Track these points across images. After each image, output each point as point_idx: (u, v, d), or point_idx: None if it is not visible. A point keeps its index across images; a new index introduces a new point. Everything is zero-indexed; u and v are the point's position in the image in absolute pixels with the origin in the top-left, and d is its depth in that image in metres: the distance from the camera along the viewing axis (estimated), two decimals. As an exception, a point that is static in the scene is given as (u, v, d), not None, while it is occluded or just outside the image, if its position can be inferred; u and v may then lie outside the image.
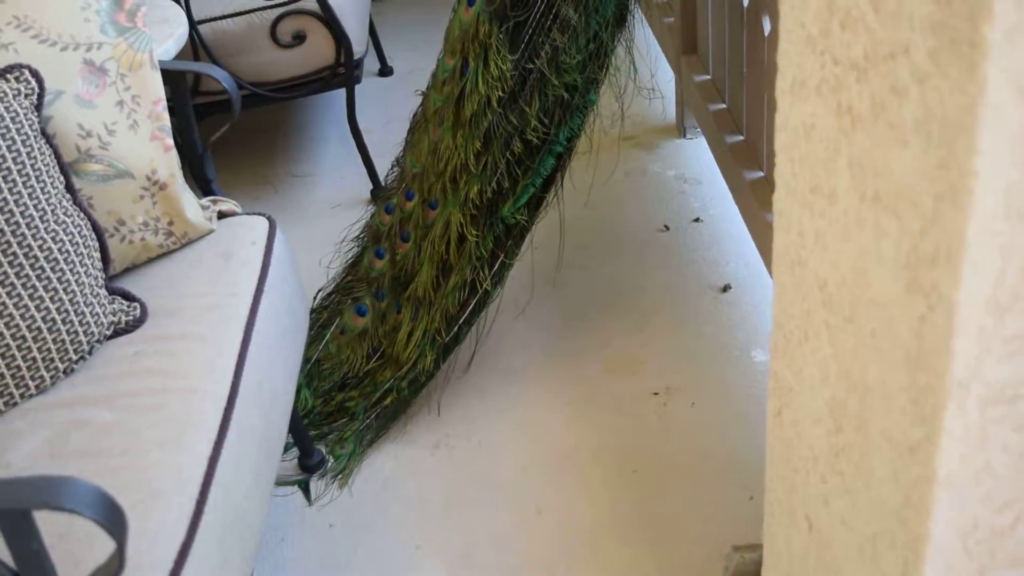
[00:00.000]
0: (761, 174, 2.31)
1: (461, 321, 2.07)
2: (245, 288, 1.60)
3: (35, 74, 1.50)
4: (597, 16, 1.97)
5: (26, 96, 1.48)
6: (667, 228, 2.62)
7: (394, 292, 2.14)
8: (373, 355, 2.15)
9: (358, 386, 2.13)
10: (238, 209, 1.79)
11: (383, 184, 2.87)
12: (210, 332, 1.51)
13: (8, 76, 1.48)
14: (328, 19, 2.61)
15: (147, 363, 1.48)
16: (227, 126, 1.78)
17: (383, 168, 2.89)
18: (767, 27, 2.14)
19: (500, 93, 1.97)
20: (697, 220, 2.64)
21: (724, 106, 2.59)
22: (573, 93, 2.00)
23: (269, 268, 1.66)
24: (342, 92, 2.99)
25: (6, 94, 1.45)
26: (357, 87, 2.83)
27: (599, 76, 2.02)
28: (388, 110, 3.31)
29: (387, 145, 2.99)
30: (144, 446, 1.33)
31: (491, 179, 2.02)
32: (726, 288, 2.40)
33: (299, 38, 2.62)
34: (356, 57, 2.68)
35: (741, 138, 2.45)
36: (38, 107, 1.50)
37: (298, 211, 2.88)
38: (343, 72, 2.69)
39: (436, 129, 2.10)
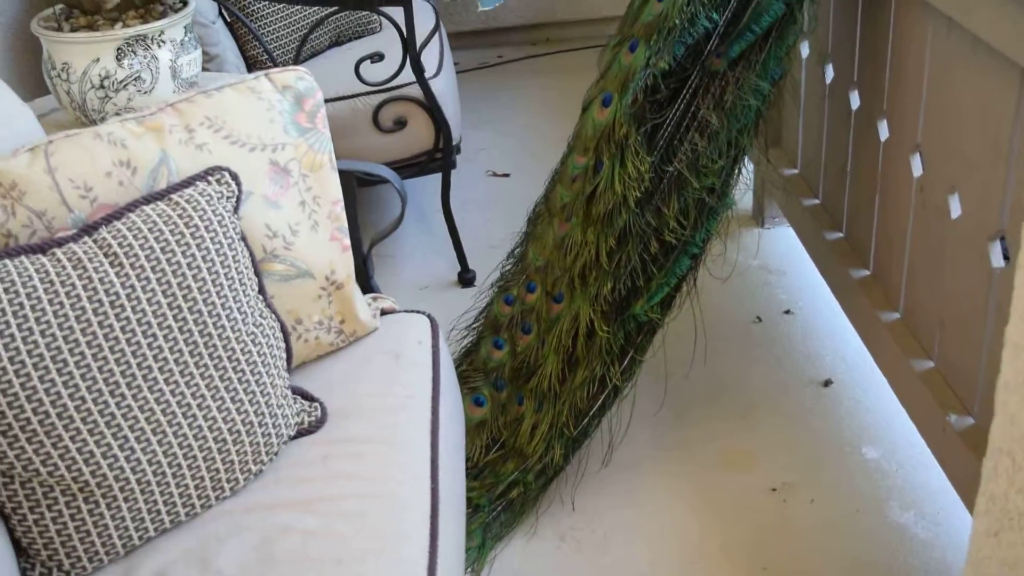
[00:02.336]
0: (867, 273, 2.35)
1: (590, 415, 2.09)
2: (422, 390, 1.61)
3: (234, 177, 1.52)
4: (738, 123, 2.02)
5: (227, 199, 1.50)
6: (759, 320, 2.66)
7: (515, 383, 2.16)
8: (493, 446, 2.16)
9: (478, 477, 2.13)
10: (397, 306, 1.81)
11: (470, 267, 2.91)
12: (397, 436, 1.53)
13: (210, 178, 1.50)
14: (431, 106, 2.65)
15: (338, 466, 1.49)
16: (395, 226, 1.81)
17: (468, 250, 2.93)
18: (884, 133, 2.20)
19: (637, 193, 2.01)
20: (788, 312, 2.68)
21: (818, 202, 2.64)
22: (711, 195, 2.04)
23: (440, 369, 1.68)
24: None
25: (211, 197, 1.47)
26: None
27: (735, 179, 2.07)
28: (462, 191, 3.34)
29: (464, 226, 3.02)
30: (357, 555, 1.34)
31: (624, 277, 2.05)
32: (827, 383, 2.43)
33: (400, 123, 2.66)
34: (454, 143, 2.72)
35: (840, 235, 2.50)
36: (235, 209, 1.52)
37: (386, 292, 2.88)
38: (440, 157, 2.73)
39: (563, 224, 2.13)
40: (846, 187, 2.45)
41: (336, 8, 2.61)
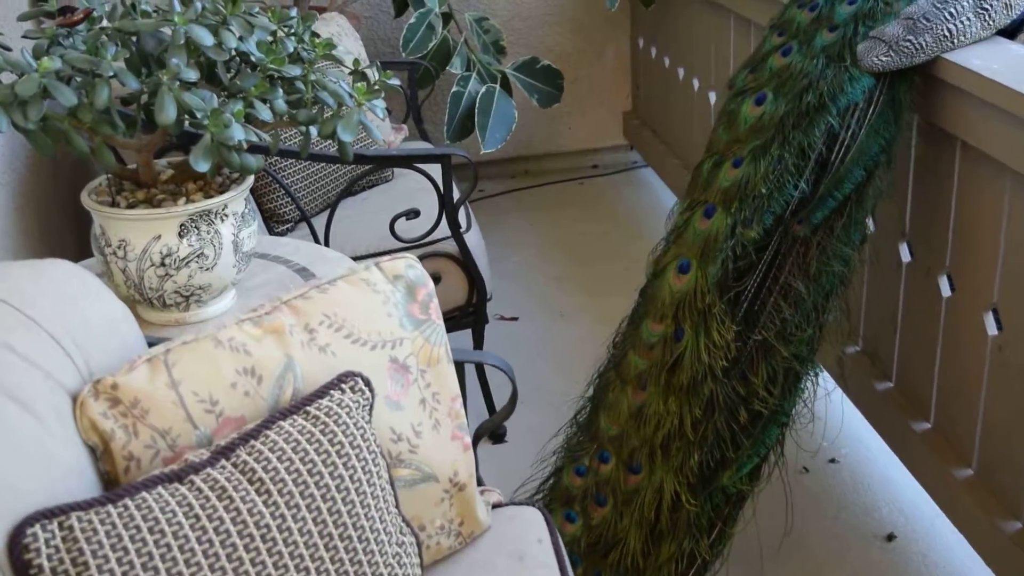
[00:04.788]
0: (927, 426, 2.33)
1: (679, 593, 2.00)
2: (557, 597, 1.51)
3: (367, 383, 1.42)
4: (823, 289, 1.99)
5: (363, 407, 1.40)
6: (806, 470, 2.61)
7: (591, 559, 2.06)
8: (571, 626, 2.04)
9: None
10: (503, 498, 1.71)
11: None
12: (547, 654, 1.42)
13: (344, 386, 1.40)
14: (465, 261, 2.58)
15: None
16: (507, 415, 1.72)
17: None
18: (946, 290, 2.19)
19: (724, 363, 1.95)
20: (833, 461, 2.64)
21: (859, 349, 2.62)
22: (799, 362, 2.00)
23: (565, 568, 1.58)
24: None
25: (350, 408, 1.36)
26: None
27: (819, 344, 2.03)
28: (471, 337, 3.26)
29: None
30: None
31: (712, 448, 1.98)
32: (891, 537, 2.39)
33: (435, 279, 2.57)
34: (488, 297, 2.65)
35: (890, 384, 2.48)
36: (369, 416, 1.42)
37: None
38: (472, 312, 2.65)
39: (638, 392, 2.06)
40: (896, 338, 2.44)
41: (372, 167, 2.54)
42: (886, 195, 2.06)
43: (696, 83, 3.54)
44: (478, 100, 3.36)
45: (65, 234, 2.65)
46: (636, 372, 2.07)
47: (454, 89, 3.41)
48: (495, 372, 2.94)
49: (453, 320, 2.65)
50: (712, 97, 3.40)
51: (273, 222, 2.74)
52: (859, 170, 1.98)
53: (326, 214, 2.77)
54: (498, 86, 3.43)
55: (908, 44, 1.94)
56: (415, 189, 2.85)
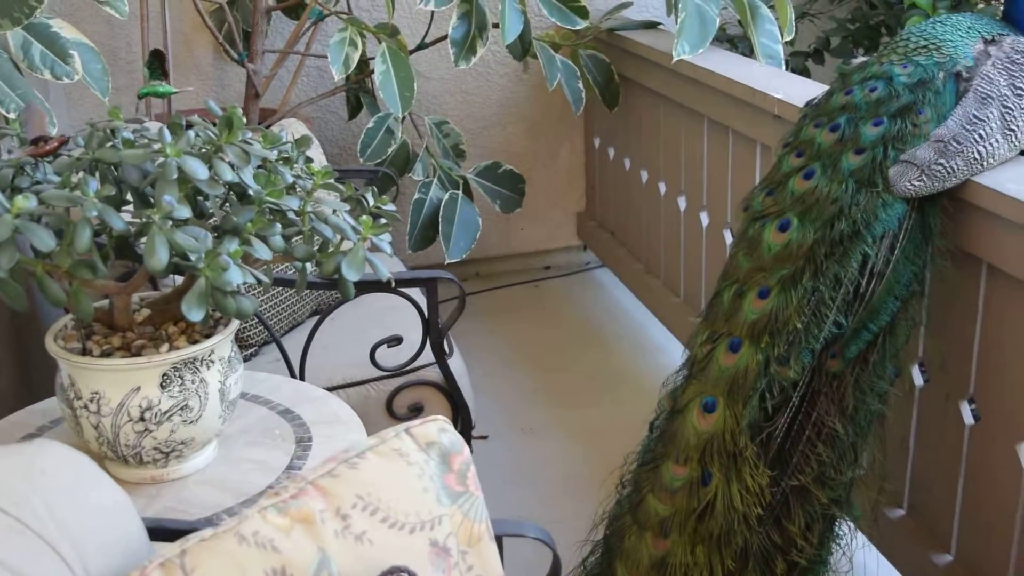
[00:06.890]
0: (950, 558, 2.21)
1: None
2: None
3: (415, 578, 1.23)
4: (860, 429, 1.86)
5: (414, 610, 1.21)
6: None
7: None
8: None
9: None
10: None
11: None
12: None
13: (391, 586, 1.21)
14: (450, 389, 2.40)
15: None
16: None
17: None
18: (969, 417, 2.09)
19: (759, 510, 1.81)
20: (843, 589, 2.50)
21: (863, 472, 2.50)
22: (836, 507, 1.86)
23: None
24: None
25: (401, 614, 1.17)
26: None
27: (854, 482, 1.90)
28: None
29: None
30: None
31: (747, 603, 1.83)
32: None
33: (416, 410, 2.41)
34: (473, 427, 2.48)
35: (902, 512, 2.36)
36: (420, 619, 1.23)
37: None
38: (457, 443, 2.46)
39: (660, 540, 1.90)
40: (908, 463, 2.32)
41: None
42: (920, 324, 1.95)
43: (663, 187, 3.45)
44: (442, 208, 3.21)
45: (2, 366, 2.41)
46: (657, 519, 1.91)
47: (416, 196, 3.26)
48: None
49: (436, 452, 2.46)
50: (682, 203, 3.30)
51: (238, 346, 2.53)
52: (893, 300, 1.87)
53: (292, 335, 2.60)
54: (460, 192, 3.28)
55: (940, 168, 1.85)
56: (385, 307, 2.68)
